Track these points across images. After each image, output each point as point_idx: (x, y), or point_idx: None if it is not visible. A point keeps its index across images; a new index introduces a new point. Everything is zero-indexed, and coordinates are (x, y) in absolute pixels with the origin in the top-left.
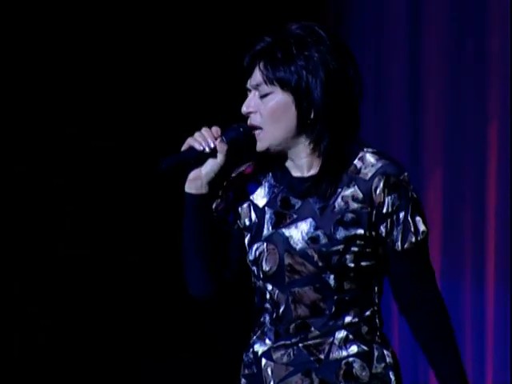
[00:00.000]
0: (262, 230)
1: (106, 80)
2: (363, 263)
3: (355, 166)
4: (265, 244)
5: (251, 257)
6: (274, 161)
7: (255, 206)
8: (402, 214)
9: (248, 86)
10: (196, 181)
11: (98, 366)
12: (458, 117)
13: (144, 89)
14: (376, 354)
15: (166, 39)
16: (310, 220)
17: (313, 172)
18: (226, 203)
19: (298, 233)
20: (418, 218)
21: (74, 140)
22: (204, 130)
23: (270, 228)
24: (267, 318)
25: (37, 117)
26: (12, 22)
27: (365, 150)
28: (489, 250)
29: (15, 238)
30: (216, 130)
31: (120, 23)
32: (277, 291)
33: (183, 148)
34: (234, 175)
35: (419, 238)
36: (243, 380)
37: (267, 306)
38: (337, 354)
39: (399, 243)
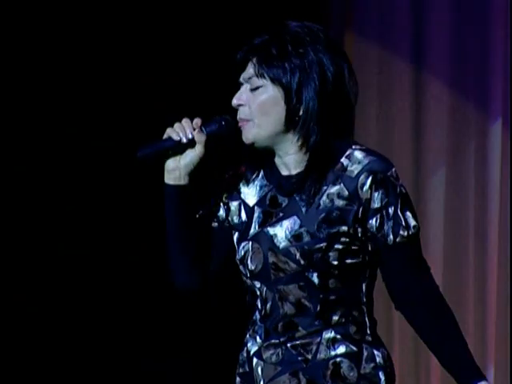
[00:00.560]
0: (250, 229)
1: (106, 80)
2: (348, 261)
3: (342, 163)
4: (250, 243)
5: (238, 256)
6: (265, 160)
7: (246, 205)
8: (391, 209)
9: (241, 79)
10: (174, 171)
11: (98, 366)
12: (460, 117)
13: (144, 89)
14: (365, 354)
15: (165, 39)
16: (294, 218)
17: (299, 170)
18: (217, 200)
19: (283, 231)
20: (408, 213)
21: (74, 140)
22: (184, 121)
23: (257, 227)
24: (258, 315)
25: (37, 117)
26: (12, 22)
27: (353, 147)
28: (491, 251)
29: (15, 238)
30: (196, 121)
31: (119, 23)
32: (265, 288)
33: (163, 138)
34: (228, 174)
35: (410, 233)
36: (238, 379)
37: (257, 303)
38: (324, 354)
39: (391, 237)
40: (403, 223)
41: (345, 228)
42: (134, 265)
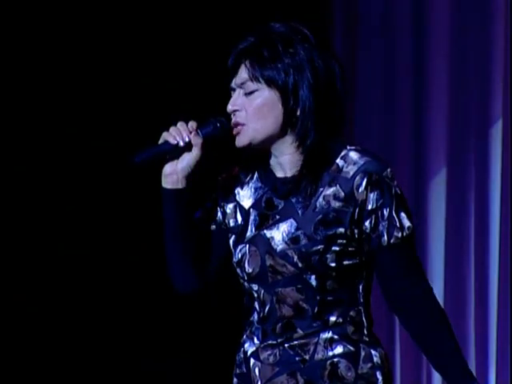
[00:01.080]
0: (246, 232)
1: (105, 80)
2: (345, 262)
3: (337, 164)
4: (247, 246)
5: (235, 259)
6: (260, 162)
7: (241, 208)
8: (386, 210)
9: (233, 85)
10: (172, 175)
11: (98, 366)
12: (462, 117)
13: (142, 90)
14: (363, 354)
15: (164, 42)
16: (291, 220)
17: (295, 171)
18: (214, 203)
19: (279, 234)
20: (402, 214)
21: (74, 140)
22: (179, 125)
23: (253, 230)
24: (255, 317)
25: (37, 117)
26: (12, 22)
27: (348, 148)
28: (493, 250)
29: (15, 238)
30: (192, 124)
31: (119, 25)
32: (262, 291)
33: (159, 142)
34: (221, 177)
35: (405, 234)
36: (235, 379)
37: (255, 305)
38: (322, 354)
39: (385, 238)
40: (398, 224)
41: (342, 230)
42: (134, 265)
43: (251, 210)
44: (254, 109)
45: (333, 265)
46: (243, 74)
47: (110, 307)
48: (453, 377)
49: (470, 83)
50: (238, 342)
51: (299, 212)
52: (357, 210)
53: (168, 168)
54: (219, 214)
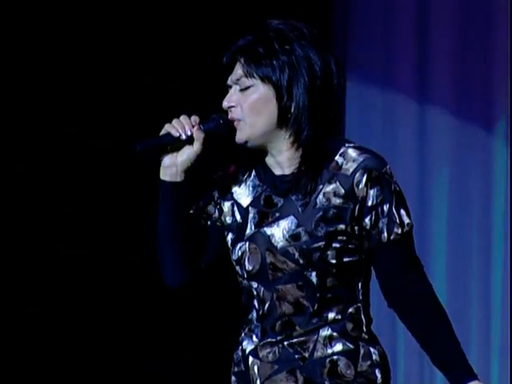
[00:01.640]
0: (245, 230)
1: (106, 80)
2: (346, 259)
3: (336, 162)
4: (247, 243)
5: (234, 257)
6: (257, 160)
7: (239, 206)
8: (386, 207)
9: (229, 82)
10: (171, 168)
11: (98, 366)
12: (464, 116)
13: (143, 89)
14: (362, 351)
15: (163, 41)
16: (291, 218)
17: (293, 168)
18: (209, 200)
19: (280, 231)
20: (402, 211)
21: (74, 140)
22: (182, 118)
23: (253, 227)
24: (254, 315)
25: (36, 117)
26: (12, 22)
27: (346, 145)
28: (495, 249)
29: (14, 238)
30: (195, 118)
31: (118, 24)
32: (262, 288)
33: (161, 134)
34: (218, 175)
35: (405, 230)
36: (233, 378)
37: (254, 303)
38: (321, 352)
39: (385, 235)
40: (397, 221)
41: (342, 226)
42: (133, 265)
43: (250, 208)
44: (248, 104)
45: (333, 261)
46: (238, 70)
47: (109, 307)
48: (452, 372)
49: (474, 80)
50: (235, 341)
51: (299, 209)
52: (357, 207)
53: (167, 160)
54: (215, 211)
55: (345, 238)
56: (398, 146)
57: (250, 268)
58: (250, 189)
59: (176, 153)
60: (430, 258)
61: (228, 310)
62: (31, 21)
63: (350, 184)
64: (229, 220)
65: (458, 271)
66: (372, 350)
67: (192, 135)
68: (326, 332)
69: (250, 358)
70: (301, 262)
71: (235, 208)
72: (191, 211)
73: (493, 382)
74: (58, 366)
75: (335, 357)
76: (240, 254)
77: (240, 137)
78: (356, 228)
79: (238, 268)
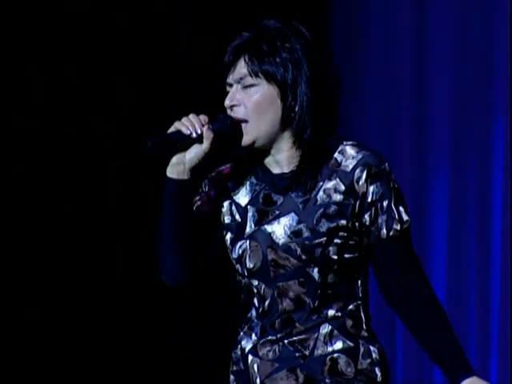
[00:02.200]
0: (245, 228)
1: (105, 81)
2: (346, 255)
3: (335, 159)
4: (247, 241)
5: (235, 255)
6: (254, 159)
7: (237, 205)
8: (385, 203)
9: (229, 80)
10: (179, 165)
11: (97, 366)
12: (463, 117)
13: (143, 90)
14: (362, 349)
15: (164, 40)
16: (292, 214)
17: (293, 167)
18: (208, 200)
19: (281, 228)
20: (400, 208)
21: (74, 140)
22: (192, 116)
23: (253, 225)
24: (254, 313)
25: (36, 117)
26: (12, 23)
27: (344, 143)
28: (494, 250)
29: (14, 238)
30: (204, 117)
31: (118, 25)
32: (263, 286)
33: (169, 131)
34: (213, 174)
35: (403, 227)
36: (232, 376)
37: (254, 301)
38: (321, 349)
39: (384, 231)
40: (396, 217)
41: (344, 222)
42: (133, 265)
43: (248, 206)
44: (253, 104)
45: (335, 257)
46: (242, 68)
47: (109, 307)
48: (450, 368)
49: (472, 80)
50: (233, 340)
51: (300, 206)
52: (357, 203)
53: (176, 158)
54: (213, 211)
55: (346, 234)
56: (397, 146)
57: (251, 266)
58: (248, 188)
59: (184, 151)
60: (429, 256)
61: (226, 310)
62: (31, 21)
63: (350, 180)
64: (227, 219)
65: (458, 269)
66: (372, 348)
67: (202, 134)
68: (326, 329)
69: (250, 357)
70: (303, 257)
71: (233, 207)
72: (195, 209)
73: (491, 378)
74: (58, 366)
75: (335, 355)
76: (241, 252)
77: (246, 140)
78: (356, 224)
79: (238, 266)
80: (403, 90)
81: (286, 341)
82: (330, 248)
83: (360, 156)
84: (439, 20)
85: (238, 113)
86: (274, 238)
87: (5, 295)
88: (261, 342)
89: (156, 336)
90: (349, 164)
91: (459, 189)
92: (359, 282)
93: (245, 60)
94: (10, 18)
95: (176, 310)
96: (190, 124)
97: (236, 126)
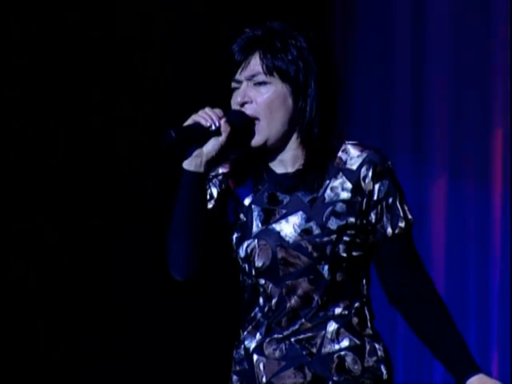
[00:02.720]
0: (251, 227)
1: (105, 82)
2: (354, 253)
3: (340, 157)
4: (256, 240)
5: (242, 254)
6: (254, 159)
7: (240, 204)
8: (390, 201)
9: (239, 77)
10: (197, 158)
11: (97, 366)
12: (462, 126)
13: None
14: (368, 347)
15: (164, 40)
16: (300, 213)
17: (298, 166)
18: (210, 199)
19: (290, 226)
20: (405, 206)
21: (75, 143)
22: (208, 109)
23: (260, 225)
24: (259, 312)
25: (35, 117)
26: (12, 23)
27: (346, 142)
28: (494, 255)
29: (13, 238)
30: (219, 110)
31: (117, 26)
32: (270, 285)
33: (187, 123)
34: (212, 174)
35: (408, 225)
36: (235, 377)
37: (259, 300)
38: (329, 347)
39: (390, 229)
40: (402, 215)
41: (352, 219)
42: (133, 265)
43: (253, 206)
44: (265, 101)
45: (344, 255)
46: (255, 65)
47: (109, 307)
48: (455, 367)
49: (472, 92)
50: (232, 341)
51: (307, 205)
52: (364, 201)
53: (194, 150)
54: (220, 208)
55: (353, 231)
56: (396, 145)
57: (260, 264)
58: (250, 187)
59: (202, 143)
60: (428, 257)
61: (226, 310)
62: (32, 22)
63: (356, 178)
64: (231, 219)
65: (457, 265)
66: (377, 345)
67: (220, 127)
68: (332, 327)
69: (255, 356)
70: (314, 255)
71: (237, 206)
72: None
73: (492, 373)
74: (57, 366)
75: (342, 352)
76: (249, 251)
77: (258, 139)
78: (364, 222)
79: (245, 265)
80: (401, 98)
81: (292, 339)
82: (340, 245)
83: (365, 154)
84: (437, 22)
85: (249, 110)
86: (284, 236)
87: (6, 295)
88: (266, 340)
89: (156, 336)
90: (354, 162)
91: (458, 191)
92: (364, 280)
93: (260, 56)
94: (10, 18)
95: (176, 310)
96: (208, 116)
97: (249, 122)
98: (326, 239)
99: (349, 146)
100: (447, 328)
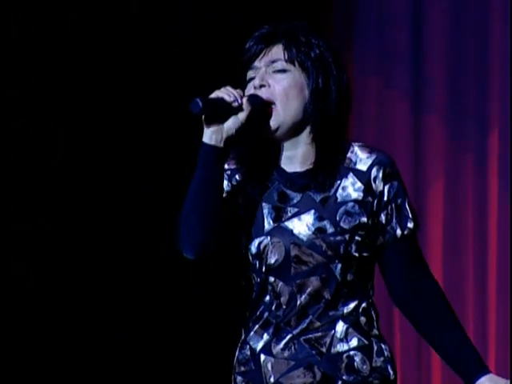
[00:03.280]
0: (263, 225)
1: (105, 82)
2: (364, 254)
3: (349, 158)
4: (268, 237)
5: (254, 251)
6: (265, 157)
7: (250, 202)
8: (399, 201)
9: (258, 64)
10: (217, 133)
11: (96, 366)
12: (460, 128)
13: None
14: (375, 347)
15: (165, 41)
16: (312, 211)
17: (309, 165)
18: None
19: (303, 224)
20: (411, 207)
21: (75, 143)
22: (229, 87)
23: (271, 222)
24: (266, 311)
25: (35, 117)
26: (12, 24)
27: (352, 144)
28: (491, 257)
29: (13, 238)
30: (239, 90)
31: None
32: (280, 283)
33: (211, 96)
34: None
35: (416, 226)
36: (239, 377)
37: (267, 299)
38: (338, 347)
39: (399, 230)
40: (410, 216)
41: (364, 219)
42: (133, 265)
43: (263, 203)
44: (283, 88)
45: (356, 255)
46: (277, 53)
47: (109, 307)
48: (465, 367)
49: (469, 93)
50: (232, 342)
51: (320, 204)
52: (375, 201)
53: (214, 125)
54: (233, 201)
55: (365, 232)
56: (394, 145)
57: (272, 261)
58: (258, 184)
59: (223, 119)
60: (426, 247)
61: (226, 310)
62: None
63: (367, 179)
64: (241, 215)
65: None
66: (383, 346)
67: (241, 105)
68: (341, 326)
69: (262, 356)
70: (329, 253)
71: (247, 203)
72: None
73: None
74: (56, 366)
75: (352, 352)
76: (261, 248)
77: (272, 123)
78: (375, 222)
79: (256, 262)
80: (399, 96)
81: (302, 338)
82: (352, 245)
83: (374, 156)
84: (436, 22)
85: (266, 94)
86: (297, 234)
87: (6, 295)
88: (274, 340)
89: (156, 336)
90: (364, 163)
91: (456, 192)
92: (370, 281)
93: (283, 46)
94: (11, 19)
95: (176, 310)
96: (231, 93)
97: (266, 105)
98: (339, 238)
99: (356, 148)
100: (454, 329)
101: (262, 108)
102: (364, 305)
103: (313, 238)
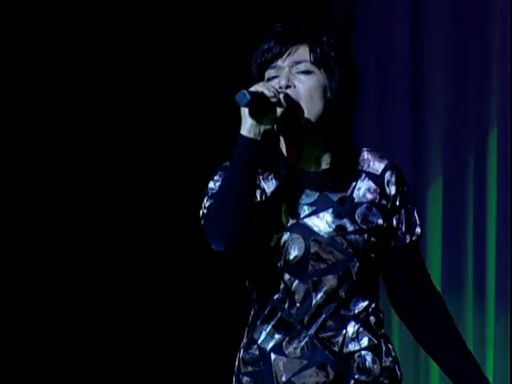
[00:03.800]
0: (281, 221)
1: (105, 82)
2: (378, 255)
3: (362, 161)
4: (288, 233)
5: (273, 246)
6: (282, 156)
7: (269, 198)
8: (409, 207)
9: (280, 63)
10: (256, 126)
11: (96, 366)
12: (460, 128)
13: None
14: (384, 347)
15: (165, 42)
16: (330, 210)
17: (325, 166)
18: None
19: (323, 222)
20: (418, 214)
21: (75, 143)
22: (267, 83)
23: (290, 219)
24: (279, 310)
25: (35, 117)
26: (13, 26)
27: (362, 149)
28: (490, 261)
29: (13, 238)
30: (276, 87)
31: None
32: (296, 281)
33: (252, 89)
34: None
35: (422, 233)
36: (246, 378)
37: (277, 297)
38: (350, 346)
39: (408, 236)
40: (418, 222)
41: (380, 221)
42: (133, 266)
43: (280, 200)
44: (307, 89)
45: (372, 255)
46: (303, 55)
47: (109, 307)
48: (466, 380)
49: (468, 88)
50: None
51: (337, 203)
52: (389, 205)
53: (255, 118)
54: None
55: (379, 234)
56: (394, 145)
57: (291, 257)
58: (275, 182)
59: (262, 113)
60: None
61: (226, 311)
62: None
63: (381, 182)
64: (259, 211)
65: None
66: (390, 346)
67: (279, 101)
68: (353, 326)
69: (273, 355)
70: (349, 251)
71: (265, 199)
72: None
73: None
74: (56, 366)
75: (363, 352)
76: (282, 243)
77: (299, 123)
78: (388, 225)
79: (275, 257)
80: (400, 95)
81: (314, 338)
82: (369, 245)
83: (386, 161)
84: (436, 21)
85: (291, 94)
86: (318, 231)
87: (6, 295)
88: (286, 339)
89: (156, 336)
90: (377, 167)
91: (454, 202)
92: (378, 283)
93: (309, 47)
94: (10, 19)
95: (176, 310)
96: (270, 88)
97: (296, 105)
98: (358, 237)
99: (365, 152)
100: (455, 341)
101: (294, 107)
102: (373, 305)
103: (334, 235)
